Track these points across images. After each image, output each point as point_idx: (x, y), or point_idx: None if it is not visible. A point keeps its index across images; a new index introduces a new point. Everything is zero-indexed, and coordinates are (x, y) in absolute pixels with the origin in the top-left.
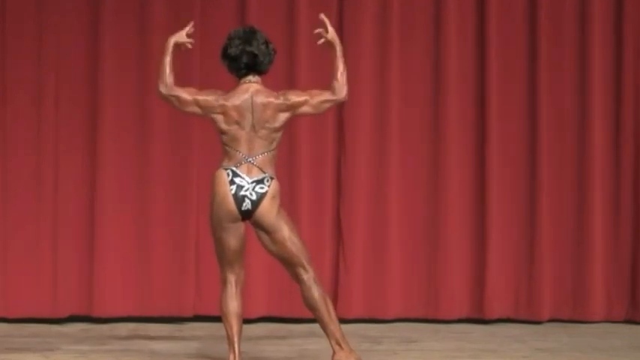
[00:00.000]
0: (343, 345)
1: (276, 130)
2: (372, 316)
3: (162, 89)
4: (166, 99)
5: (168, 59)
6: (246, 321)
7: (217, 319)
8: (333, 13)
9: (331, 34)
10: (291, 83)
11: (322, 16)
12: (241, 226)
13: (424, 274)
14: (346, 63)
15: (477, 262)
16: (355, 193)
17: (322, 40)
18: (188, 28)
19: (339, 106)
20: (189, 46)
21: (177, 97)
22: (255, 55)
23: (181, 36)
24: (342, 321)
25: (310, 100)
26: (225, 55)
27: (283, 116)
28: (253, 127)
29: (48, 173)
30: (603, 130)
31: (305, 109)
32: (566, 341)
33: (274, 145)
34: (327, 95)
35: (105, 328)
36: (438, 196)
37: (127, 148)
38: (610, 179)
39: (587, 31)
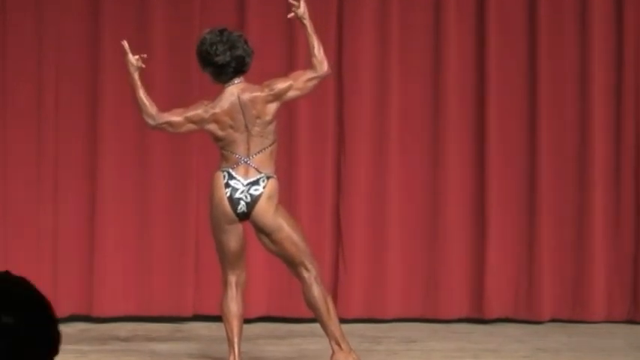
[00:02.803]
0: (343, 345)
1: (269, 122)
2: (372, 316)
3: (150, 121)
4: (158, 129)
5: (141, 92)
6: (246, 321)
7: (217, 318)
8: (332, 12)
9: (302, 9)
10: None
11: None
12: (240, 228)
13: (424, 274)
14: (320, 38)
15: (476, 261)
16: (355, 192)
17: (292, 15)
18: (127, 49)
19: (339, 106)
20: (144, 62)
21: (169, 123)
22: (243, 58)
23: (132, 62)
24: (342, 321)
25: (295, 84)
26: (211, 62)
27: (272, 107)
28: (246, 126)
29: (48, 173)
30: (604, 129)
31: (292, 93)
32: (566, 341)
33: (270, 139)
34: (309, 74)
35: (105, 328)
36: (438, 195)
37: (127, 148)
38: (610, 178)
39: (588, 30)
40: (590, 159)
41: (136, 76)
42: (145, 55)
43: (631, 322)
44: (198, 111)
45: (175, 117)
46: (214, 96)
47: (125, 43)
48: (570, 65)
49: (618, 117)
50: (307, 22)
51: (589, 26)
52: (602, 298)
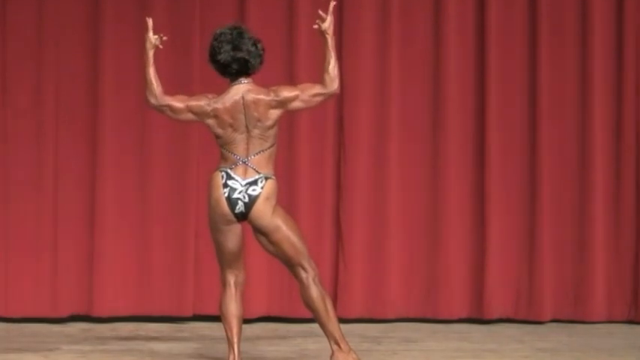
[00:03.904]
0: (342, 345)
1: (269, 127)
2: (372, 316)
3: (153, 100)
4: (158, 109)
5: (151, 70)
6: (246, 321)
7: (217, 318)
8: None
9: (327, 24)
10: (291, 83)
11: (322, 12)
12: (238, 228)
13: (424, 274)
14: (337, 56)
15: (477, 261)
16: (355, 193)
17: (316, 26)
18: (150, 26)
19: (339, 107)
20: (162, 42)
21: (170, 107)
22: (246, 61)
23: (152, 39)
24: (342, 321)
25: (301, 95)
26: (215, 60)
27: (275, 113)
28: (246, 127)
29: (48, 173)
30: (604, 128)
31: (296, 104)
32: (566, 341)
33: (270, 142)
34: (318, 89)
35: (105, 328)
36: (438, 195)
37: (127, 148)
38: (611, 178)
39: (588, 30)
40: (590, 159)
41: (151, 54)
42: (165, 37)
43: (631, 322)
44: (200, 102)
45: (177, 103)
46: (220, 91)
47: (150, 21)
48: (571, 66)
49: (619, 117)
50: (329, 37)
51: (589, 26)
52: (603, 298)
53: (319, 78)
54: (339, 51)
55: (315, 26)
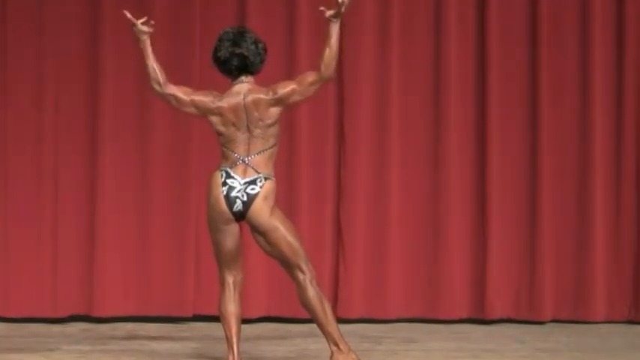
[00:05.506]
0: (341, 346)
1: (270, 125)
2: (373, 317)
3: (157, 87)
4: (163, 97)
5: (151, 58)
6: (246, 321)
7: (217, 319)
8: None
9: (333, 12)
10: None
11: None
12: (236, 228)
13: (424, 274)
14: (337, 43)
15: (477, 262)
16: (355, 193)
17: (322, 8)
18: (132, 18)
19: (339, 107)
20: (151, 25)
21: (175, 97)
22: (245, 57)
23: (143, 29)
24: (342, 321)
25: (297, 88)
26: (215, 58)
27: (275, 111)
28: (248, 127)
29: (48, 173)
30: (604, 128)
31: (295, 97)
32: (566, 341)
33: (271, 142)
34: (312, 77)
35: (105, 328)
36: (439, 195)
37: (127, 149)
38: (611, 179)
39: (589, 29)
40: (590, 160)
41: (148, 42)
42: (153, 22)
43: (631, 322)
44: (206, 99)
45: (183, 95)
46: (224, 90)
47: (127, 13)
48: (571, 66)
49: (619, 118)
50: (336, 25)
51: (590, 28)
52: (603, 299)
53: (315, 65)
54: (340, 51)
55: (321, 8)
